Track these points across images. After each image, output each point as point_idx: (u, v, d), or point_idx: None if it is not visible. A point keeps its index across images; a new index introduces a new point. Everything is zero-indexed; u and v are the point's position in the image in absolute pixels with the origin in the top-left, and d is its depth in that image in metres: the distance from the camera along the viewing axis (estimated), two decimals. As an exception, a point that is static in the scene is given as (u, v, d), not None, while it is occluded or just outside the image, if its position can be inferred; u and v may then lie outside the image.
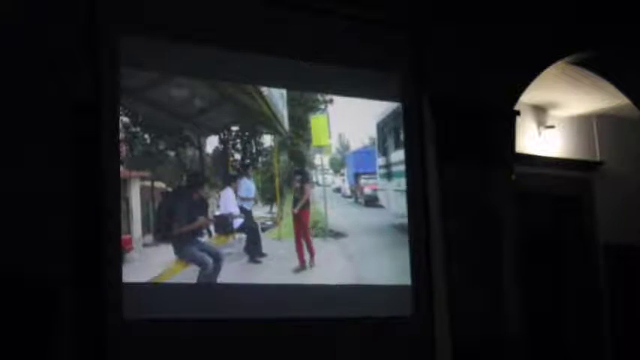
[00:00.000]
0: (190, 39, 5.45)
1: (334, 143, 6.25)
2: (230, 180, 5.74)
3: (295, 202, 5.98)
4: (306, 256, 5.88)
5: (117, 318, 4.93)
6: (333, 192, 6.25)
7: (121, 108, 5.22)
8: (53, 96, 4.94)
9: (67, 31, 5.03)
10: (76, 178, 4.95)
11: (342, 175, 6.34)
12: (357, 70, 6.05)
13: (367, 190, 6.43)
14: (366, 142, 6.34)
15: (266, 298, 5.53)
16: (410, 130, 6.23)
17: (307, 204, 6.06)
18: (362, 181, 6.43)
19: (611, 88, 7.50)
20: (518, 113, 6.64)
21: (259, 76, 5.78)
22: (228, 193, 5.73)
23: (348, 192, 6.36)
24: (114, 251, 5.01)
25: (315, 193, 6.08)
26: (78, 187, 4.94)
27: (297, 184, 6.01)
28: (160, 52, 5.40)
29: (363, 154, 6.45)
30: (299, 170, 6.04)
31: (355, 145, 6.34)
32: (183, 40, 5.43)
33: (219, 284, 5.46)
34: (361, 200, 6.38)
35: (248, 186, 5.81)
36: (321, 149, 6.17)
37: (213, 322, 5.26)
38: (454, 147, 6.20)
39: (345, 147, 6.31)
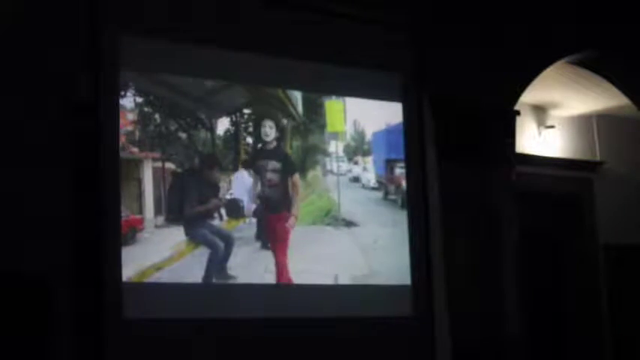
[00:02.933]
0: (190, 39, 5.45)
1: (348, 129, 5.96)
2: (247, 164, 5.55)
3: (270, 204, 5.41)
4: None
5: (116, 318, 4.92)
6: (350, 182, 5.59)
7: (133, 87, 5.21)
8: (53, 96, 4.94)
9: (67, 31, 5.03)
10: (76, 178, 4.95)
11: (357, 163, 5.69)
12: (356, 70, 6.03)
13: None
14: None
15: (266, 297, 5.53)
16: (410, 130, 6.23)
17: (288, 208, 5.50)
18: (397, 170, 5.49)
19: (611, 88, 7.50)
20: (518, 113, 6.64)
21: (258, 76, 5.77)
22: (242, 176, 5.56)
23: (373, 183, 5.37)
24: (114, 250, 5.00)
25: (328, 181, 5.72)
26: (78, 187, 4.94)
27: (274, 178, 5.38)
28: (160, 52, 5.40)
29: (400, 134, 5.48)
30: (282, 157, 5.54)
31: (371, 130, 5.80)
32: (183, 40, 5.43)
33: (220, 284, 5.45)
34: (394, 196, 5.43)
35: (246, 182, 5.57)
36: (336, 135, 5.92)
37: (213, 321, 5.26)
38: (454, 147, 6.19)
39: (360, 134, 5.97)
